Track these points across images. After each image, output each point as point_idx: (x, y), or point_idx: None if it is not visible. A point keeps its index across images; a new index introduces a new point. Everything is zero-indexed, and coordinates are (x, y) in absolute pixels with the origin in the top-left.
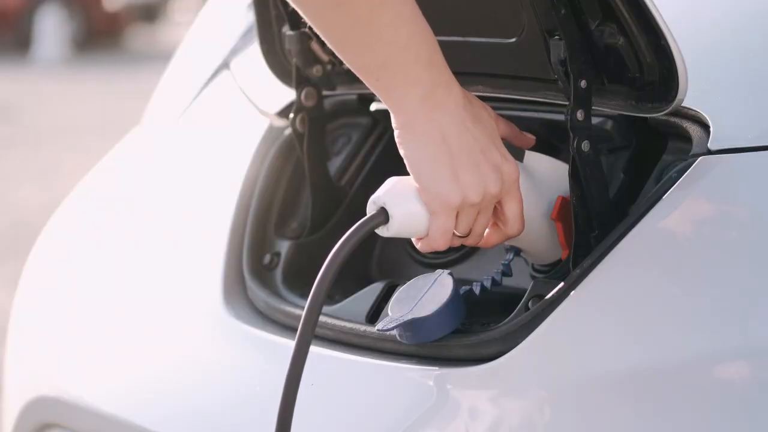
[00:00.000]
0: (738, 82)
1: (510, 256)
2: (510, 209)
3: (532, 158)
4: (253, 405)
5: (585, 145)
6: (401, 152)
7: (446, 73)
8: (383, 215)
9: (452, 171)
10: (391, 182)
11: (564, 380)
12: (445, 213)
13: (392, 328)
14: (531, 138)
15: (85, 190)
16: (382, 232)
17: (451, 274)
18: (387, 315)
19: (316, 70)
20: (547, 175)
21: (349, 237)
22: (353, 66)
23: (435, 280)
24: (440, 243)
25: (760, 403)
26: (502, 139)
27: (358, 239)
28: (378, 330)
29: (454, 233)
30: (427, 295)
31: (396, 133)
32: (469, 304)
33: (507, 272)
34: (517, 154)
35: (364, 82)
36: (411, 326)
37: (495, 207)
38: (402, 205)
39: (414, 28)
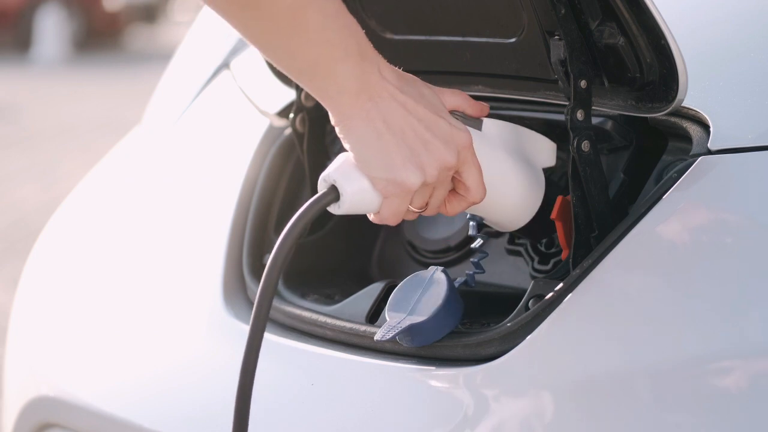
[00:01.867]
0: (738, 82)
1: (478, 243)
2: (469, 177)
3: (491, 125)
4: (253, 404)
5: (585, 145)
6: (345, 146)
7: (377, 61)
8: (334, 193)
9: (400, 157)
10: (342, 158)
11: (564, 380)
12: (399, 197)
13: (392, 337)
14: (485, 106)
15: (85, 190)
16: (334, 209)
17: (444, 270)
18: (385, 320)
19: None
20: (509, 139)
21: (301, 216)
22: (284, 70)
23: (429, 278)
24: (393, 221)
25: (759, 403)
26: (457, 111)
27: (309, 218)
28: (377, 340)
29: (409, 209)
30: (423, 296)
31: (337, 129)
32: (468, 303)
33: (479, 266)
34: (475, 123)
35: (298, 83)
36: (410, 332)
37: (454, 177)
38: (352, 184)
39: (340, 24)
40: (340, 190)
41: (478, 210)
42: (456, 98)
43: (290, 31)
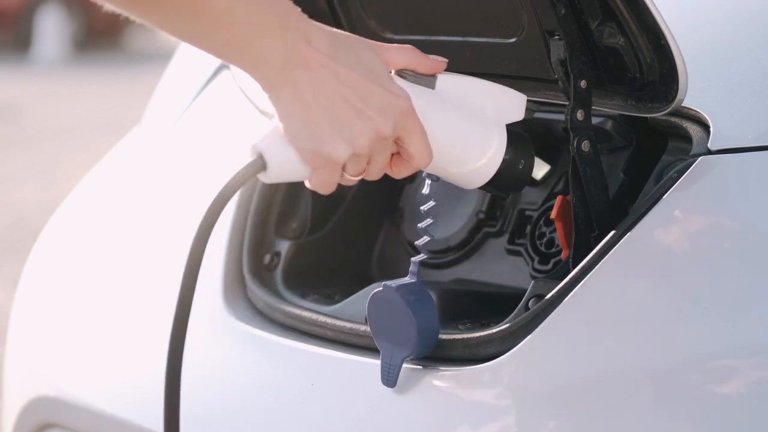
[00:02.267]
0: (738, 82)
1: (428, 206)
2: (411, 144)
3: (446, 81)
4: (253, 404)
5: (585, 145)
6: (274, 115)
7: (305, 30)
8: (261, 162)
9: (327, 129)
10: (271, 127)
11: (564, 380)
12: (326, 169)
13: (395, 379)
14: (441, 61)
15: (85, 190)
16: (263, 178)
17: (387, 285)
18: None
19: None
20: (467, 95)
21: (230, 185)
22: (207, 52)
23: (384, 300)
24: (324, 191)
25: (759, 404)
26: (407, 70)
27: (237, 187)
28: (385, 385)
29: (345, 176)
30: (395, 322)
31: (267, 98)
32: (468, 303)
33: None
34: (428, 81)
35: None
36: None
37: (397, 142)
38: (278, 154)
39: (249, 1)
40: (266, 160)
41: (433, 170)
42: (405, 56)
43: (196, 18)
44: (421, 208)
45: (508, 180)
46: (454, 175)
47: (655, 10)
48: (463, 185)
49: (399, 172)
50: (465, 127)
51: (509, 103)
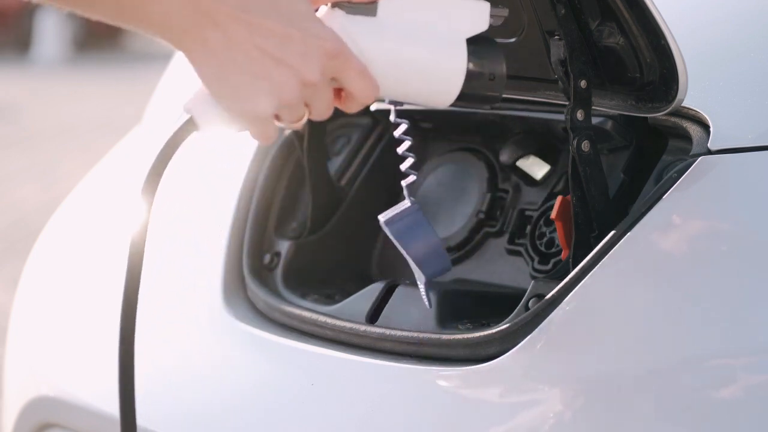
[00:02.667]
0: (738, 82)
1: (400, 130)
2: (349, 84)
3: (390, 4)
4: (253, 404)
5: (585, 145)
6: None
7: None
8: (193, 124)
9: (245, 85)
10: (198, 88)
11: (564, 380)
12: (257, 123)
13: (429, 301)
14: None
15: (85, 189)
16: (203, 134)
17: (381, 220)
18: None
19: None
20: (416, 15)
21: (165, 149)
22: (102, 19)
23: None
24: (265, 142)
25: (758, 404)
26: (343, 1)
27: (174, 148)
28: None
29: (286, 124)
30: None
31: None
32: (468, 303)
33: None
34: (367, 9)
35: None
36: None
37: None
38: (207, 114)
39: None
40: (197, 121)
41: (394, 96)
42: None
43: None
44: (398, 150)
45: (478, 93)
46: (418, 99)
47: (655, 10)
48: (433, 106)
49: (349, 108)
50: (417, 49)
51: (468, 15)
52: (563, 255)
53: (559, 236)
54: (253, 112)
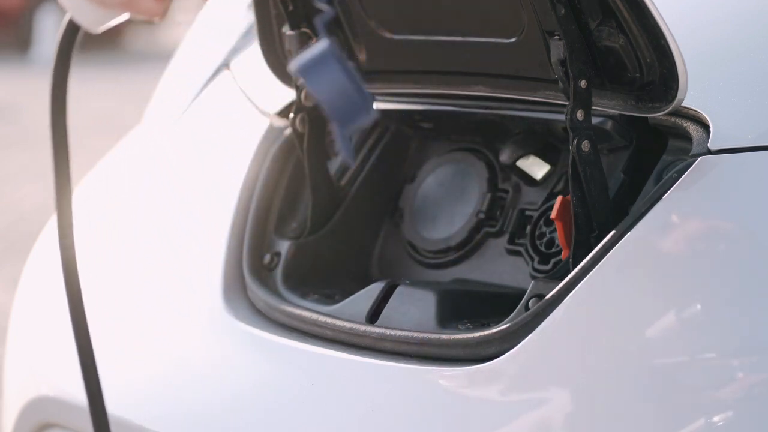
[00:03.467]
0: (738, 82)
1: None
2: None
3: None
4: (253, 404)
5: (585, 145)
6: None
7: None
8: (71, 22)
9: None
10: None
11: (563, 380)
12: (122, 4)
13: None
14: None
15: (85, 189)
16: (90, 30)
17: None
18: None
19: None
20: None
21: (59, 58)
22: None
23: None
24: (151, 15)
25: (758, 404)
26: None
27: (68, 47)
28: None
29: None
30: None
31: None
32: (469, 303)
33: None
34: None
35: None
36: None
37: None
38: (76, 6)
39: None
40: (72, 17)
41: None
42: None
43: None
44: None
45: None
46: None
47: (655, 10)
48: None
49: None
50: None
51: None
52: (563, 255)
53: (559, 236)
54: None
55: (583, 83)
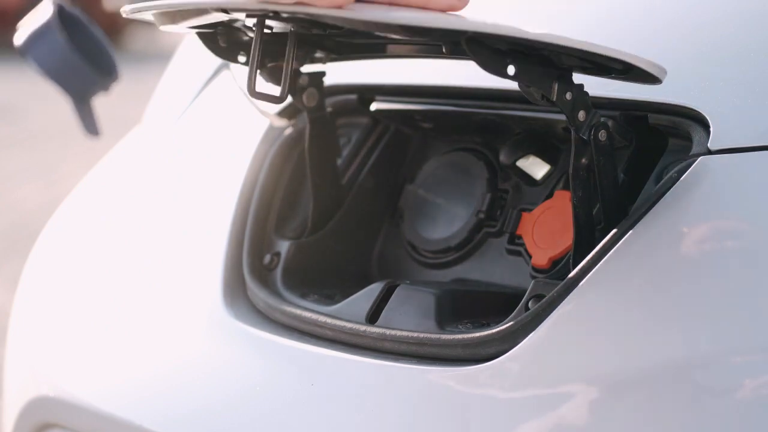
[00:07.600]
0: (738, 82)
1: None
2: None
3: None
4: (254, 405)
5: (602, 135)
6: None
7: None
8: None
9: None
10: None
11: (563, 380)
12: None
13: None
14: None
15: (85, 190)
16: None
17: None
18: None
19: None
20: None
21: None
22: None
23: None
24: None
25: (758, 403)
26: None
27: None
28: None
29: None
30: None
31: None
32: (469, 303)
33: None
34: None
35: None
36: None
37: None
38: None
39: None
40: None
41: None
42: None
43: None
44: None
45: None
46: None
47: (579, 44)
48: None
49: None
50: None
51: None
52: (533, 261)
53: (528, 247)
54: None
55: (568, 96)
